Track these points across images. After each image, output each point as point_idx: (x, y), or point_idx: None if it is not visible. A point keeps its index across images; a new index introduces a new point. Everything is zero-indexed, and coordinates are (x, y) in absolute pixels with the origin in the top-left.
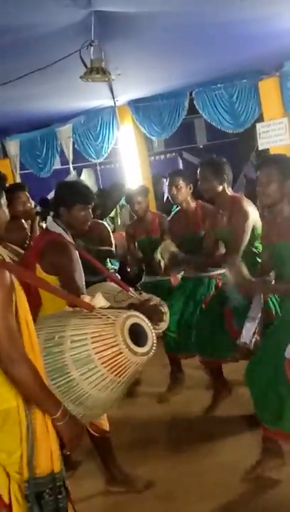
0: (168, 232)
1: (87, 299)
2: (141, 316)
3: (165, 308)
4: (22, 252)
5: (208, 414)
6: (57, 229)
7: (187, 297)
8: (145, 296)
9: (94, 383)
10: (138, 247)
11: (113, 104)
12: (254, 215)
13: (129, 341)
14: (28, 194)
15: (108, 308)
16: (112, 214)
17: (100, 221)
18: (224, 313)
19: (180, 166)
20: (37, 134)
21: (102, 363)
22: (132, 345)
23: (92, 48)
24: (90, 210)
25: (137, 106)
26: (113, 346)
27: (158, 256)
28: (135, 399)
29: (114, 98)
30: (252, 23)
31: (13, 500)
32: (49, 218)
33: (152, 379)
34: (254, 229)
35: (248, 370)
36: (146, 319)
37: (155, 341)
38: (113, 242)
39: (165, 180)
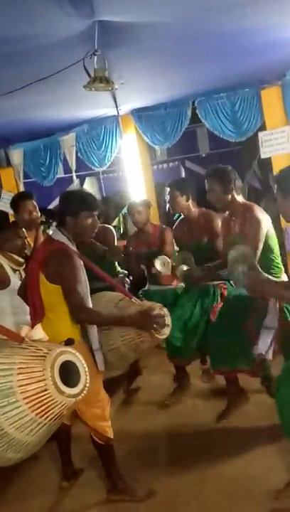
0: (173, 240)
1: (25, 329)
2: (77, 354)
3: (166, 314)
4: (22, 260)
5: (219, 420)
6: (61, 238)
7: (193, 305)
8: (146, 303)
9: (12, 419)
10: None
11: (116, 113)
12: (267, 223)
13: (57, 378)
14: (34, 203)
15: (48, 342)
16: (115, 222)
17: (106, 225)
18: (242, 319)
19: (183, 174)
20: (40, 143)
21: (24, 398)
22: (60, 384)
23: (95, 58)
24: (96, 217)
25: (140, 115)
26: (39, 381)
27: (156, 267)
28: (135, 407)
29: (117, 107)
30: (254, 32)
31: None
32: (53, 227)
33: (153, 386)
34: (267, 237)
35: (278, 383)
36: (82, 358)
37: (87, 385)
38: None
39: (169, 189)
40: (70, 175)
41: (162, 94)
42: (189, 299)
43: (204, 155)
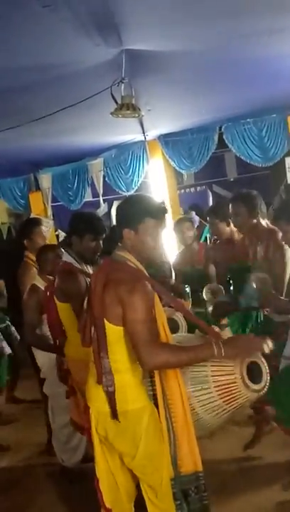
0: (211, 261)
1: (216, 329)
2: (261, 357)
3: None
4: None
5: (245, 449)
6: (68, 258)
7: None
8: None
9: (202, 402)
10: (182, 278)
11: (143, 139)
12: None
13: (245, 374)
14: None
15: None
16: None
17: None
18: None
19: (210, 198)
20: (69, 168)
21: (215, 387)
22: (247, 379)
23: (122, 85)
24: (101, 242)
25: (167, 140)
26: (229, 374)
27: (204, 295)
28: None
29: (144, 133)
30: (281, 59)
31: (147, 502)
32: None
33: None
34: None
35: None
36: (265, 361)
37: (267, 383)
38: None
39: (193, 212)
40: (98, 199)
41: (188, 120)
42: (232, 324)
43: (232, 179)
